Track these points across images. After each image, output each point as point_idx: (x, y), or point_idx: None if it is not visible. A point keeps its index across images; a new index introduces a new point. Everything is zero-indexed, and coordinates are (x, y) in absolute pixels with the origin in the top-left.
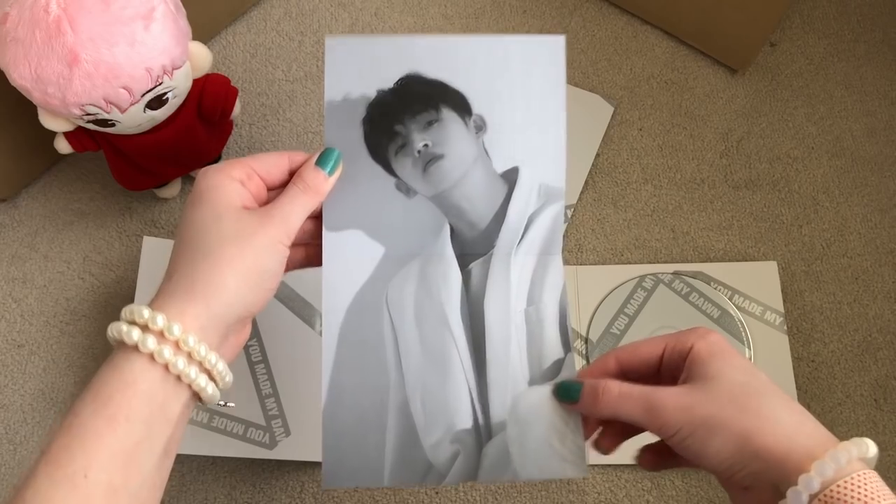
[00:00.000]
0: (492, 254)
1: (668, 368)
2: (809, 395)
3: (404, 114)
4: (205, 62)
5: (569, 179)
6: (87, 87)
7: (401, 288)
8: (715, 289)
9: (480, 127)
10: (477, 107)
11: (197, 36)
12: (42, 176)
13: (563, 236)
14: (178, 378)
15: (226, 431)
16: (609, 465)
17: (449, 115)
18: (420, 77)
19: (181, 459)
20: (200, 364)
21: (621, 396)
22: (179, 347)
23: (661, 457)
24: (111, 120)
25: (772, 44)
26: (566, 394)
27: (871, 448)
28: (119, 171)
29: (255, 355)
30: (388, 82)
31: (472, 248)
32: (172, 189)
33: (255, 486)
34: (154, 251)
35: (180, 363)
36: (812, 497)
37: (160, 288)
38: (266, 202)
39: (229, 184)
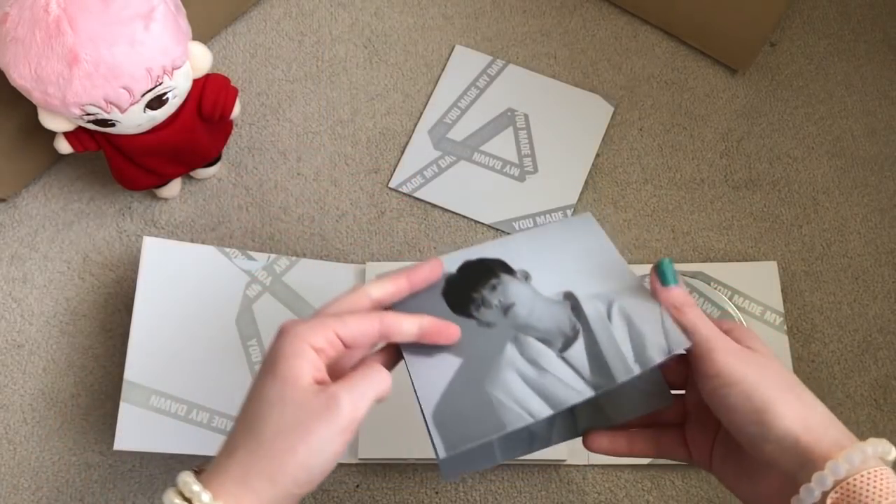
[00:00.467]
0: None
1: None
2: None
3: (477, 283)
4: (205, 62)
5: (569, 179)
6: (87, 87)
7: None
8: (715, 289)
9: (527, 276)
10: (518, 266)
11: (197, 36)
12: (42, 176)
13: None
14: None
15: (225, 432)
16: (609, 465)
17: (505, 277)
18: (475, 259)
19: (183, 460)
20: None
21: (700, 315)
22: None
23: (613, 441)
24: (111, 120)
25: (772, 44)
26: (666, 274)
27: (891, 451)
28: (119, 170)
29: (255, 355)
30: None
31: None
32: (172, 189)
33: None
34: (154, 251)
35: None
36: (825, 494)
37: (217, 460)
38: (339, 367)
39: (307, 354)
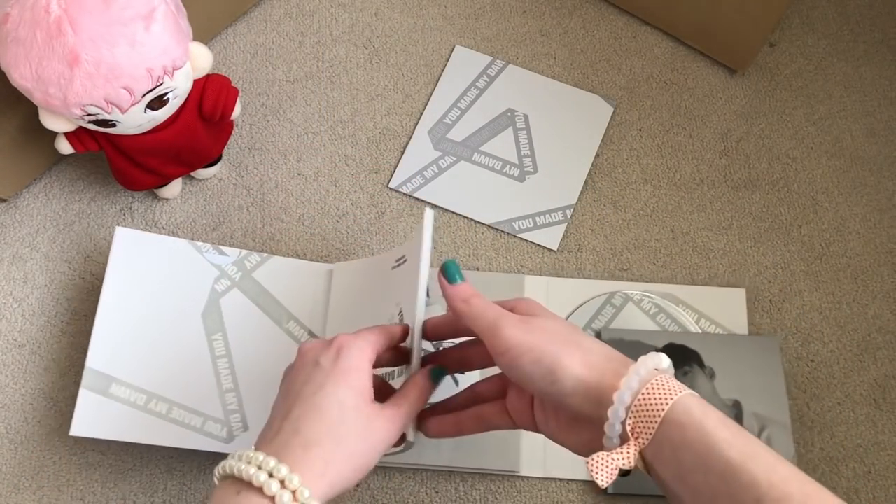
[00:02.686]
0: None
1: None
2: (809, 394)
3: (674, 365)
4: (205, 62)
5: (568, 179)
6: (88, 87)
7: None
8: (682, 310)
9: (713, 375)
10: (708, 362)
11: (197, 36)
12: (43, 176)
13: (563, 236)
14: None
15: (184, 423)
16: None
17: (697, 369)
18: (679, 344)
19: (179, 457)
20: None
21: (479, 308)
22: (296, 499)
23: (442, 425)
24: (112, 120)
25: (771, 44)
26: (452, 273)
27: (663, 360)
28: (120, 171)
29: (218, 349)
30: (659, 344)
31: None
32: (173, 189)
33: None
34: (125, 241)
35: None
36: (627, 409)
37: (289, 446)
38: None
39: (368, 367)
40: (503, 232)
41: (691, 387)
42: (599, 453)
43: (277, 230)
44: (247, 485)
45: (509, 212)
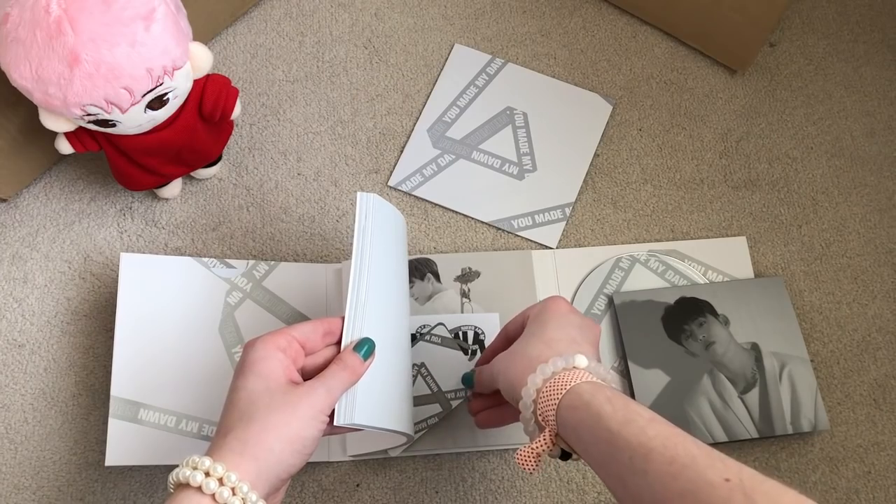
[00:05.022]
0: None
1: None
2: None
3: (688, 318)
4: (205, 63)
5: (567, 178)
6: (88, 87)
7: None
8: (688, 265)
9: (727, 322)
10: (721, 310)
11: (197, 36)
12: (43, 176)
13: (562, 235)
14: None
15: (201, 436)
16: None
17: (711, 319)
18: (690, 297)
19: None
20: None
21: (481, 373)
22: (235, 493)
23: (490, 416)
24: (112, 120)
25: (771, 44)
26: (467, 382)
27: (578, 360)
28: (120, 171)
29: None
30: (670, 301)
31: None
32: (173, 189)
33: None
34: (132, 267)
35: (236, 503)
36: (534, 402)
37: (214, 443)
38: (304, 367)
39: (275, 354)
40: (502, 230)
41: (708, 335)
42: (523, 445)
43: (277, 230)
44: (192, 488)
45: (508, 210)
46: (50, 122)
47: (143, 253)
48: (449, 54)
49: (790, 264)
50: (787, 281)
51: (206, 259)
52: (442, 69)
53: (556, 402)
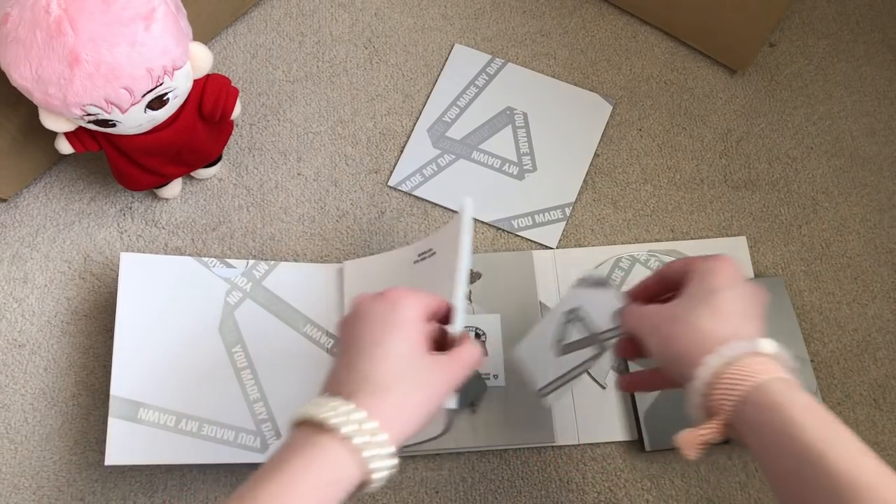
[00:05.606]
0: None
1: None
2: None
3: None
4: (205, 62)
5: (567, 178)
6: (88, 87)
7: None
8: None
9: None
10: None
11: (197, 36)
12: (43, 176)
13: (562, 235)
14: (364, 463)
15: (217, 438)
16: (609, 465)
17: None
18: None
19: (176, 469)
20: (381, 458)
21: (629, 314)
22: (372, 443)
23: (632, 381)
24: (112, 120)
25: (771, 44)
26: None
27: (763, 345)
28: (120, 170)
29: (240, 361)
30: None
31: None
32: (173, 189)
33: None
34: (132, 266)
35: (372, 451)
36: (707, 385)
37: (347, 385)
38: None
39: (422, 320)
40: (502, 230)
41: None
42: (686, 430)
43: (277, 230)
44: (324, 428)
45: (508, 210)
46: (50, 122)
47: (143, 253)
48: (449, 54)
49: (790, 264)
50: (787, 281)
51: (205, 259)
52: (442, 69)
53: (740, 394)
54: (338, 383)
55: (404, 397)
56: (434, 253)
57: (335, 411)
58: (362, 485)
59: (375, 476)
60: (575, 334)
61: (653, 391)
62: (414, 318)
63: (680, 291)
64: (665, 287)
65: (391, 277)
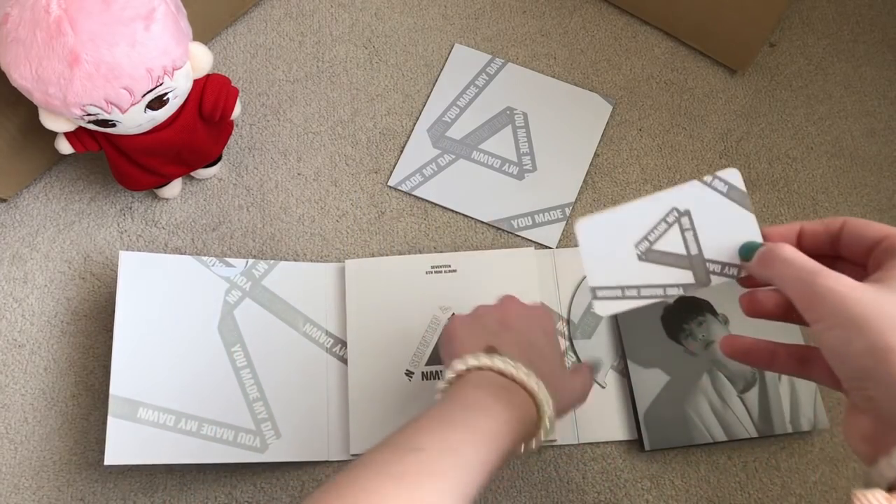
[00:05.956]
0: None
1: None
2: None
3: (687, 317)
4: (205, 63)
5: (567, 178)
6: (88, 87)
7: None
8: None
9: (727, 321)
10: (720, 309)
11: (197, 36)
12: (43, 176)
13: (562, 235)
14: (540, 420)
15: (216, 438)
16: (609, 465)
17: (710, 317)
18: (689, 296)
19: (176, 468)
20: (550, 421)
21: (787, 263)
22: (539, 407)
23: (745, 349)
24: (112, 120)
25: (771, 44)
26: (745, 253)
27: None
28: (120, 171)
29: (240, 361)
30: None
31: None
32: (173, 189)
33: (255, 485)
34: (132, 265)
35: (548, 411)
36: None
37: (516, 352)
38: None
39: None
40: (502, 230)
41: (707, 334)
42: (875, 493)
43: (277, 230)
44: (513, 378)
45: (508, 210)
46: (50, 122)
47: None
48: (449, 54)
49: None
50: None
51: (205, 258)
52: (442, 69)
53: None
54: (511, 349)
55: (560, 387)
56: (455, 270)
57: (518, 370)
58: (525, 442)
59: (541, 436)
60: (674, 243)
61: (766, 370)
62: (555, 329)
63: (882, 268)
64: (836, 248)
65: (401, 281)
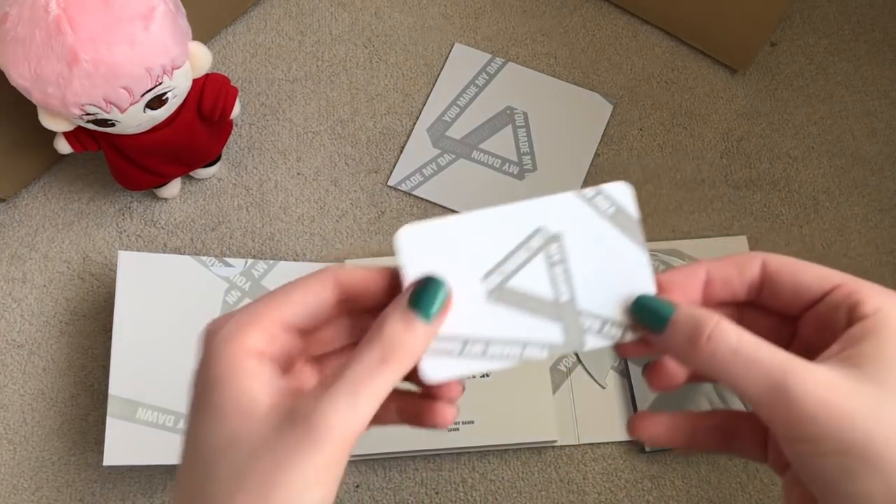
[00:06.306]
0: None
1: (792, 309)
2: None
3: None
4: (205, 62)
5: (568, 178)
6: (87, 86)
7: None
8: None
9: None
10: None
11: (197, 35)
12: (42, 176)
13: None
14: None
15: None
16: (610, 466)
17: None
18: None
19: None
20: None
21: (738, 355)
22: None
23: (667, 428)
24: (111, 120)
25: (772, 43)
26: (650, 318)
27: None
28: (119, 170)
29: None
30: None
31: None
32: (172, 189)
33: None
34: (131, 264)
35: None
36: None
37: None
38: (307, 358)
39: (246, 366)
40: None
41: None
42: None
43: (277, 230)
44: None
45: None
46: (49, 121)
47: (142, 252)
48: (449, 53)
49: None
50: None
51: (204, 257)
52: (442, 68)
53: None
54: None
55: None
56: None
57: None
58: None
59: None
60: (537, 281)
61: (685, 453)
62: (230, 370)
63: (851, 343)
64: (753, 297)
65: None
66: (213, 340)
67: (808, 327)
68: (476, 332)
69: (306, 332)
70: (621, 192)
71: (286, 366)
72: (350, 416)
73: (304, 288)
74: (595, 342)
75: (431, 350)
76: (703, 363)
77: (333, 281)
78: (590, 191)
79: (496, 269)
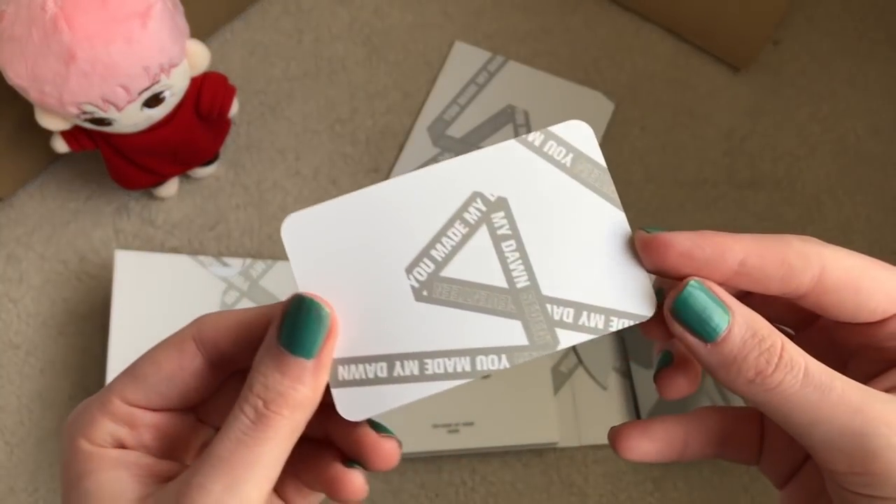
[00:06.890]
0: None
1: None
2: None
3: None
4: (203, 60)
5: None
6: (84, 85)
7: None
8: None
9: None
10: None
11: (195, 34)
12: (38, 175)
13: None
14: None
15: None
16: (611, 468)
17: None
18: None
19: None
20: None
21: (807, 388)
22: None
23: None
24: (108, 119)
25: (775, 42)
26: (694, 319)
27: None
28: (116, 169)
29: None
30: None
31: None
32: (170, 188)
33: None
34: (128, 265)
35: None
36: None
37: None
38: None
39: (100, 466)
40: None
41: None
42: None
43: (275, 229)
44: None
45: None
46: (46, 120)
47: (140, 251)
48: (449, 52)
49: None
50: None
51: (202, 257)
52: (442, 67)
53: None
54: None
55: None
56: None
57: None
58: None
59: None
60: (482, 265)
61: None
62: (80, 471)
63: None
64: (796, 312)
65: None
66: (67, 432)
67: (866, 358)
68: (406, 346)
69: (192, 406)
70: (578, 132)
71: (170, 449)
72: (229, 489)
73: (153, 362)
74: (570, 338)
75: (346, 380)
76: (755, 393)
77: (192, 344)
78: (536, 135)
79: (423, 257)
